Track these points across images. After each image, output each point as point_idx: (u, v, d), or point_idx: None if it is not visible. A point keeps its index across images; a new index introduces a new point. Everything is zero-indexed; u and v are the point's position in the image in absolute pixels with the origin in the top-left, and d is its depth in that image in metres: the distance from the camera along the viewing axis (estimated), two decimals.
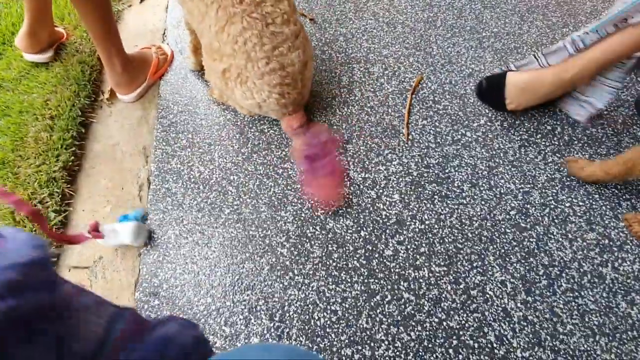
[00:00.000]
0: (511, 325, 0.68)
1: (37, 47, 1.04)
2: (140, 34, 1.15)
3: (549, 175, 0.83)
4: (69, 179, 0.87)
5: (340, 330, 0.68)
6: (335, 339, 0.67)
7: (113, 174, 0.89)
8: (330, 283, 0.72)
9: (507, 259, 0.74)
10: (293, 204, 0.81)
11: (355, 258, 0.74)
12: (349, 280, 0.72)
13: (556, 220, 0.78)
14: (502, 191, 0.81)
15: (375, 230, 0.76)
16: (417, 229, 0.77)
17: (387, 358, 0.66)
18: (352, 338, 0.67)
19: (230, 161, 0.88)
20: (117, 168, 0.89)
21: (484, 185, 0.82)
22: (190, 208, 0.82)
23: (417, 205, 0.79)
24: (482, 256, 0.74)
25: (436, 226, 0.77)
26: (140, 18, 1.21)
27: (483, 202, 0.80)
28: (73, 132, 0.92)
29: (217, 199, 0.83)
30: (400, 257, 0.74)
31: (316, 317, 0.69)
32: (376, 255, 0.74)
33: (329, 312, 0.70)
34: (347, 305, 0.70)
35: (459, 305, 0.70)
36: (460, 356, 0.65)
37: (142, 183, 0.87)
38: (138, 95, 1.03)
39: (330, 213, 0.79)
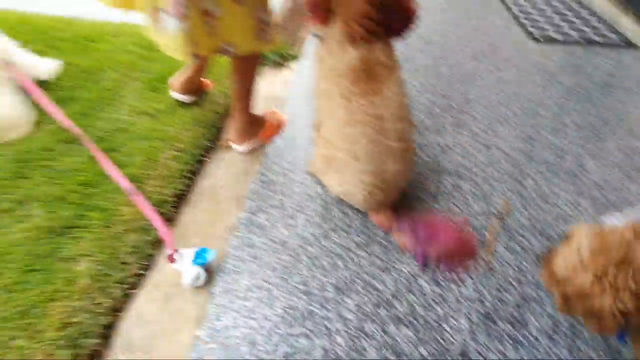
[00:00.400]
0: None
1: (185, 90, 1.28)
2: (265, 97, 1.35)
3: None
4: (175, 204, 1.00)
5: None
6: None
7: (210, 211, 1.01)
8: None
9: None
10: (359, 293, 0.83)
11: None
12: None
13: None
14: (582, 357, 0.75)
15: (436, 352, 0.74)
16: None
17: None
18: None
19: (310, 232, 0.94)
20: (215, 207, 1.01)
21: (562, 343, 0.76)
22: (265, 264, 0.88)
23: (485, 341, 0.75)
24: None
25: None
26: (269, 85, 1.44)
27: None
28: (190, 166, 1.08)
29: (289, 264, 0.88)
30: None
31: None
32: None
33: None
34: None
35: None
36: None
37: (231, 227, 0.97)
38: (249, 149, 1.19)
39: (393, 317, 0.79)
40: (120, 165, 1.02)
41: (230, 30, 0.89)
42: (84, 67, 1.40)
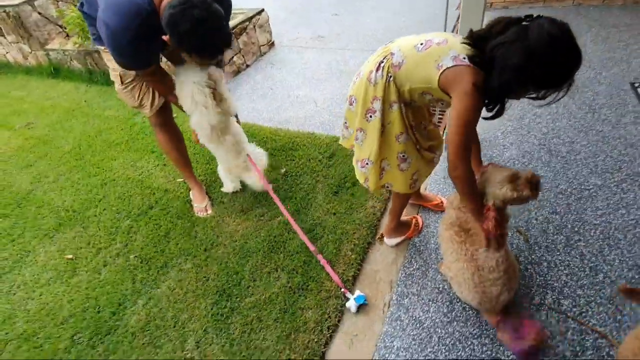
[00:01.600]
0: None
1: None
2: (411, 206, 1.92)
3: None
4: (352, 282, 1.63)
5: None
6: None
7: (371, 285, 1.61)
8: None
9: None
10: None
11: None
12: None
13: None
14: None
15: None
16: None
17: None
18: None
19: (438, 319, 1.44)
20: (374, 284, 1.61)
21: None
22: (407, 336, 1.41)
23: None
24: None
25: None
26: None
27: None
28: (361, 255, 1.72)
29: (424, 339, 1.39)
30: None
31: None
32: None
33: None
34: None
35: None
36: None
37: (385, 303, 1.55)
38: (396, 244, 1.77)
39: None
40: (319, 251, 1.73)
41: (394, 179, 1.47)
42: (291, 172, 2.24)
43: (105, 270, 1.85)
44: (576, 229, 1.65)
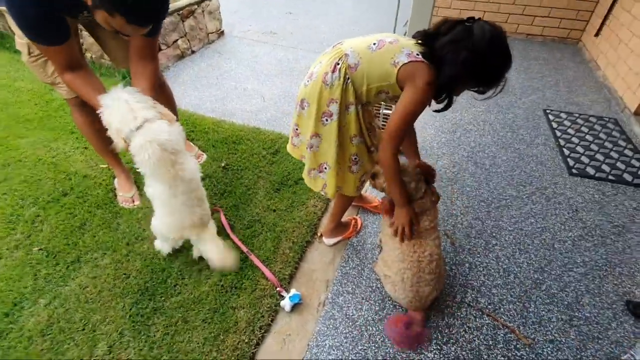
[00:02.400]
0: None
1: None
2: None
3: None
4: (289, 281, 1.60)
5: None
6: None
7: (307, 284, 1.59)
8: None
9: None
10: None
11: None
12: None
13: None
14: None
15: None
16: None
17: None
18: None
19: (370, 317, 1.47)
20: (310, 282, 1.59)
21: None
22: (340, 334, 1.42)
23: None
24: None
25: None
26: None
27: None
28: (299, 253, 1.69)
29: (356, 337, 1.41)
30: None
31: None
32: None
33: None
34: None
35: None
36: None
37: (320, 302, 1.54)
38: (334, 243, 1.77)
39: None
40: (255, 248, 1.67)
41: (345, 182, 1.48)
42: (233, 166, 2.14)
43: (0, 264, 1.57)
44: (494, 234, 1.82)
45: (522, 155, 2.35)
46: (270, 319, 1.45)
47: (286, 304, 1.48)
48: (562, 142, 2.46)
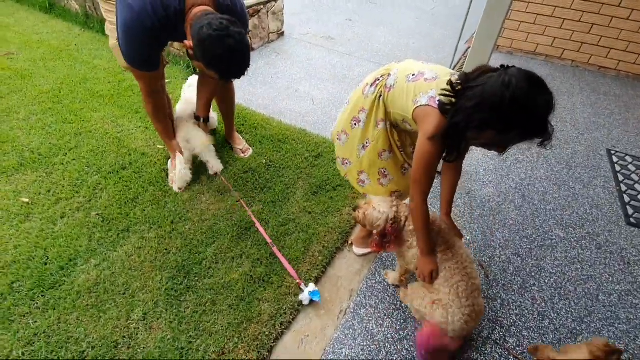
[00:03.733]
0: None
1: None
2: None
3: None
4: (317, 276, 1.63)
5: None
6: None
7: (332, 289, 1.61)
8: None
9: None
10: None
11: None
12: None
13: None
14: None
15: None
16: None
17: None
18: None
19: (390, 335, 1.46)
20: (334, 288, 1.62)
21: None
22: (357, 346, 1.43)
23: None
24: None
25: None
26: None
27: None
28: (326, 257, 1.72)
29: (369, 356, 1.41)
30: None
31: None
32: None
33: None
34: None
35: None
36: None
37: (342, 310, 1.55)
38: (363, 254, 1.78)
39: None
40: (286, 246, 1.72)
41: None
42: (276, 163, 2.22)
43: (62, 222, 1.76)
44: (533, 274, 1.73)
45: (576, 195, 2.20)
46: (292, 317, 1.49)
47: (305, 297, 1.52)
48: (623, 188, 2.28)
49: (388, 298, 1.59)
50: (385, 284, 1.64)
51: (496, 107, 0.92)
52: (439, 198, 1.45)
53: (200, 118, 2.03)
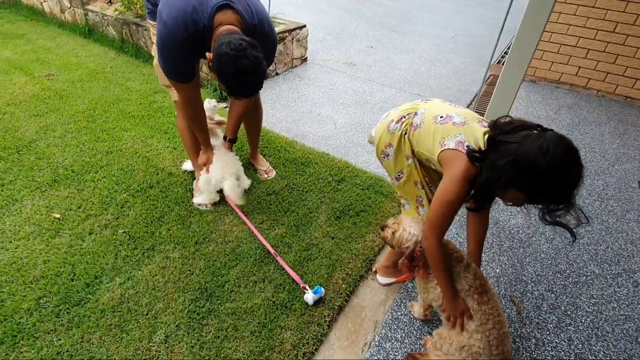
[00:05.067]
0: None
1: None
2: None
3: None
4: (337, 312, 1.59)
5: None
6: None
7: (355, 320, 1.56)
8: None
9: None
10: None
11: None
12: None
13: None
14: None
15: None
16: None
17: None
18: None
19: None
20: (358, 319, 1.56)
21: None
22: None
23: None
24: None
25: None
26: None
27: None
28: (349, 285, 1.68)
29: None
30: None
31: None
32: None
33: None
34: None
35: None
36: None
37: (366, 342, 1.50)
38: (387, 284, 1.73)
39: None
40: (309, 272, 1.69)
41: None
42: (298, 186, 2.22)
43: (90, 238, 1.79)
44: (568, 312, 1.64)
45: (610, 229, 2.11)
46: (314, 347, 1.44)
47: (309, 297, 1.53)
48: None
49: (415, 332, 1.52)
50: (411, 316, 1.58)
51: (528, 172, 0.91)
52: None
53: (227, 138, 2.07)
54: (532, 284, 1.75)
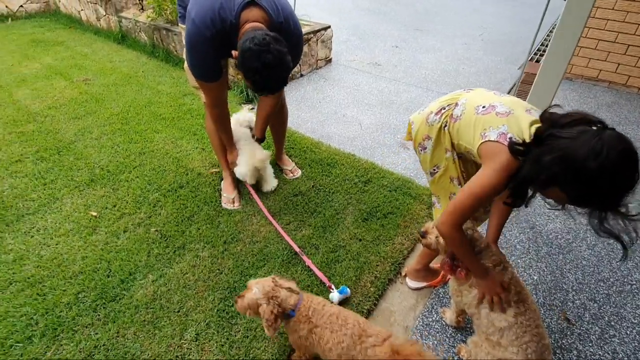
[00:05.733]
0: None
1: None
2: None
3: None
4: (369, 309, 1.56)
5: None
6: None
7: (384, 325, 1.52)
8: None
9: None
10: None
11: None
12: None
13: None
14: None
15: None
16: None
17: None
18: None
19: None
20: (387, 324, 1.53)
21: None
22: None
23: None
24: None
25: None
26: None
27: None
28: (378, 288, 1.65)
29: None
30: None
31: None
32: None
33: None
34: None
35: None
36: None
37: None
38: (417, 288, 1.69)
39: None
40: (337, 274, 1.67)
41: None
42: (325, 187, 2.21)
43: (124, 236, 1.85)
44: (612, 323, 1.54)
45: None
46: None
47: (334, 296, 1.53)
48: None
49: (447, 339, 1.47)
50: (443, 322, 1.53)
51: (575, 172, 0.82)
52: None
53: (255, 137, 2.09)
54: (573, 292, 1.65)
